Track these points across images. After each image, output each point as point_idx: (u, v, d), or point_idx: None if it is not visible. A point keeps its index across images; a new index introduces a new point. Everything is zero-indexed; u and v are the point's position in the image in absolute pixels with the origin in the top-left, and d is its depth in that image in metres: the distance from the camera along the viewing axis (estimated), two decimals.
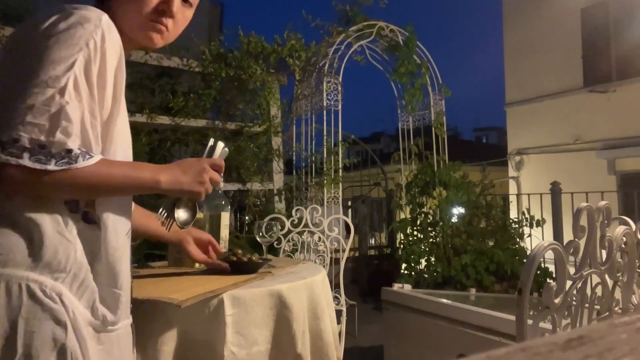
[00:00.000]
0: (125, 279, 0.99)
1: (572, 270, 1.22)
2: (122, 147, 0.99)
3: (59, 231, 0.87)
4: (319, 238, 2.83)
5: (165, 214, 1.10)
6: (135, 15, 1.00)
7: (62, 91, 0.84)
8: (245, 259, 1.52)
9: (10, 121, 0.81)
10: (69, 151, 0.84)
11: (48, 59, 0.84)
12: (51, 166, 0.82)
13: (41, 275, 0.85)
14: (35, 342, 0.82)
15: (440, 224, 4.37)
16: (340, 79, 3.93)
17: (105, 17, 0.92)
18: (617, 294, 1.42)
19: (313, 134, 4.01)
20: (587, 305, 1.30)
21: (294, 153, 4.04)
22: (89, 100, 0.89)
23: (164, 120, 3.43)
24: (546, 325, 1.18)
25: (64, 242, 0.87)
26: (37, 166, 0.81)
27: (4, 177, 0.82)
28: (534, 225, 4.35)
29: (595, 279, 1.33)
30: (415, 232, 4.48)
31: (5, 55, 0.93)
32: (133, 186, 0.97)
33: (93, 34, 0.88)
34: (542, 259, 1.19)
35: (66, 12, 0.89)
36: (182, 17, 1.06)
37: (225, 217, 1.69)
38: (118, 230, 0.97)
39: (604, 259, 1.33)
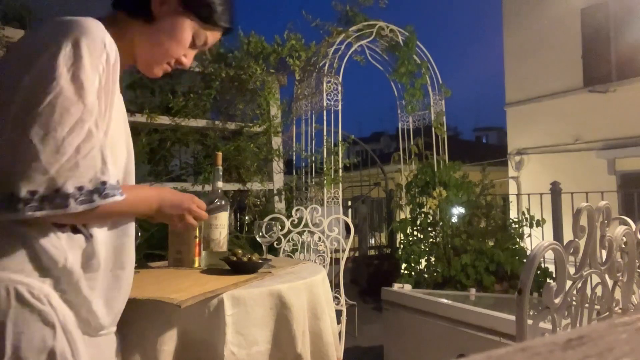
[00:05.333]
0: (123, 288, 1.00)
1: (572, 270, 1.22)
2: (117, 154, 0.99)
3: (48, 240, 0.87)
4: (319, 238, 2.83)
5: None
6: (156, 56, 1.04)
7: (96, 123, 0.87)
8: (245, 259, 1.52)
9: (52, 168, 0.81)
10: (104, 182, 0.87)
11: (72, 91, 0.83)
12: (97, 202, 0.86)
13: (29, 278, 0.85)
14: (23, 343, 0.82)
15: (440, 224, 4.37)
16: (340, 79, 3.93)
17: (108, 39, 0.90)
18: (617, 294, 1.42)
19: (313, 134, 4.01)
20: (587, 305, 1.30)
21: (294, 153, 4.03)
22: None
23: (164, 120, 3.43)
24: (546, 325, 1.18)
25: (52, 249, 0.87)
26: (85, 207, 0.84)
27: (53, 219, 0.86)
28: (534, 225, 4.35)
29: (595, 279, 1.33)
30: (415, 232, 4.48)
31: (14, 77, 0.86)
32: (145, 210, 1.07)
33: (101, 58, 0.88)
34: (542, 259, 1.19)
35: (70, 33, 0.86)
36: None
37: (224, 218, 1.69)
38: (114, 242, 0.98)
39: (604, 259, 1.33)
